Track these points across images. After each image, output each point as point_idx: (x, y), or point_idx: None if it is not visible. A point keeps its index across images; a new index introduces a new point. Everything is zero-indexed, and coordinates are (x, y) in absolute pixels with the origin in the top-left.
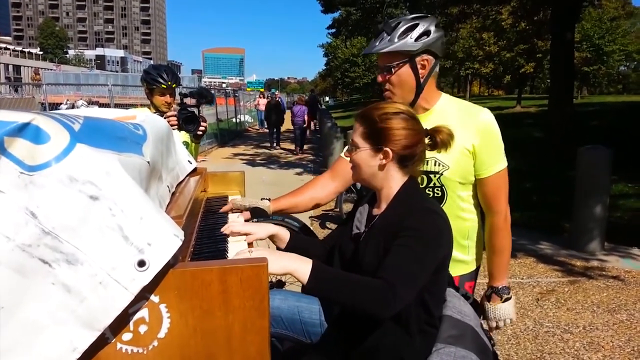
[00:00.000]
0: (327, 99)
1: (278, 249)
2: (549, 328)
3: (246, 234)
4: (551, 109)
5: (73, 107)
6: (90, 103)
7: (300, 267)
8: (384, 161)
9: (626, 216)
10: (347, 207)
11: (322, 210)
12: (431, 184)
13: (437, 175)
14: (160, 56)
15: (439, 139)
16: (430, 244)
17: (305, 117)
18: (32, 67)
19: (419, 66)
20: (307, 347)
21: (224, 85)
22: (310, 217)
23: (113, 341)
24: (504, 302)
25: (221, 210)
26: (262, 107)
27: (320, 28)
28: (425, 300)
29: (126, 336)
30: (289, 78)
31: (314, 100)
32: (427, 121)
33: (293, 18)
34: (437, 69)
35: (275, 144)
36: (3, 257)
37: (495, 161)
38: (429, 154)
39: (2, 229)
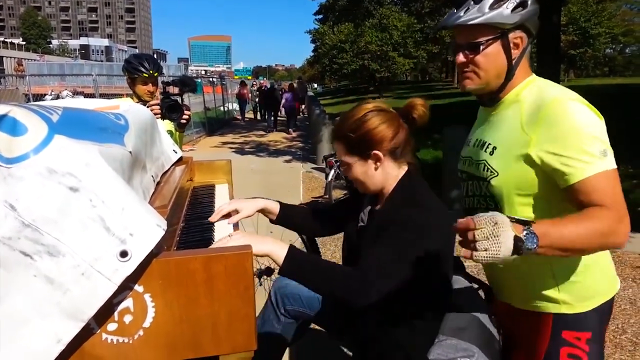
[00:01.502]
0: (315, 86)
1: (271, 221)
2: None
3: (235, 211)
4: None
5: (58, 97)
6: (76, 93)
7: (277, 249)
8: (378, 164)
9: None
10: (337, 193)
11: (312, 198)
12: (479, 192)
13: (485, 183)
14: (146, 45)
15: (415, 115)
16: (410, 237)
17: (295, 103)
18: (15, 57)
19: (511, 45)
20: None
21: (209, 73)
22: (300, 204)
23: (98, 332)
24: (514, 239)
25: (211, 220)
26: (244, 97)
27: (307, 14)
28: (425, 292)
29: (111, 326)
30: (276, 65)
31: (302, 87)
32: (489, 120)
33: (280, 4)
34: (529, 48)
35: (272, 128)
36: None
37: (579, 161)
38: (479, 155)
39: None
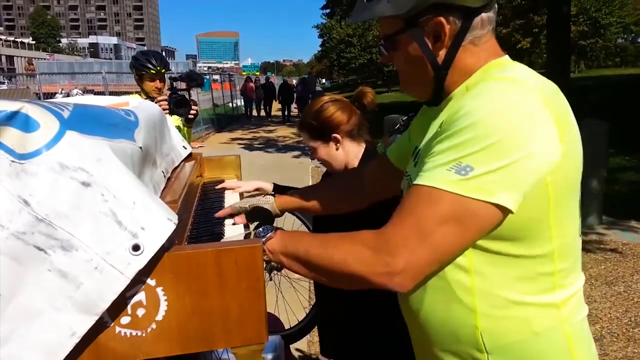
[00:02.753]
0: (323, 81)
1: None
2: None
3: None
4: None
5: (68, 96)
6: (85, 91)
7: None
8: (338, 145)
9: (624, 189)
10: None
11: None
12: None
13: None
14: (154, 42)
15: (365, 102)
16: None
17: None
18: (25, 57)
19: (429, 36)
20: None
21: (218, 69)
22: None
23: (112, 325)
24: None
25: (218, 215)
26: (251, 95)
27: (314, 9)
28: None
29: (124, 320)
30: (284, 61)
31: (312, 81)
32: (423, 124)
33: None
34: (483, 28)
35: (288, 116)
36: None
37: (431, 165)
38: (409, 167)
39: None
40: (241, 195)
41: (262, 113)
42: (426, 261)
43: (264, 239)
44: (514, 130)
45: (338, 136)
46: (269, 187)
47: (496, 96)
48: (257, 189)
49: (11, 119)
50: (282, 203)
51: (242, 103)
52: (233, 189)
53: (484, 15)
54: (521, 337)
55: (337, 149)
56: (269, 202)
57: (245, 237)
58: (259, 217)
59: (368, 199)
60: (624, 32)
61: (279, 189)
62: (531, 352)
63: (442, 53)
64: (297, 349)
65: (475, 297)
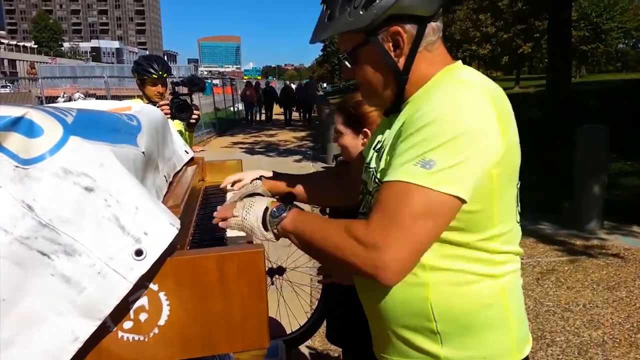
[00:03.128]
0: (324, 85)
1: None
2: (550, 307)
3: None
4: (549, 88)
5: (70, 100)
6: (87, 95)
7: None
8: (365, 140)
9: (625, 194)
10: None
11: None
12: (367, 209)
13: (370, 198)
14: (156, 46)
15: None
16: None
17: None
18: (27, 61)
19: (388, 45)
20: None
21: (219, 73)
22: None
23: (114, 330)
24: (264, 211)
25: (215, 222)
26: (251, 99)
27: (315, 14)
28: None
29: (127, 324)
30: (285, 65)
31: (313, 85)
32: (387, 123)
33: (288, 4)
34: (434, 35)
35: (289, 120)
36: (2, 250)
37: (399, 161)
38: (372, 161)
39: None
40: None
41: (263, 117)
42: (408, 256)
43: (277, 219)
44: (466, 129)
45: (368, 132)
46: (269, 173)
47: (450, 97)
48: (259, 178)
49: (15, 124)
50: (270, 187)
51: (243, 107)
52: (235, 183)
53: (433, 24)
54: (466, 308)
55: (362, 143)
56: (258, 187)
57: (264, 213)
58: None
59: (354, 198)
60: (625, 37)
61: (279, 177)
62: (474, 321)
63: (402, 60)
64: (307, 346)
65: (427, 272)
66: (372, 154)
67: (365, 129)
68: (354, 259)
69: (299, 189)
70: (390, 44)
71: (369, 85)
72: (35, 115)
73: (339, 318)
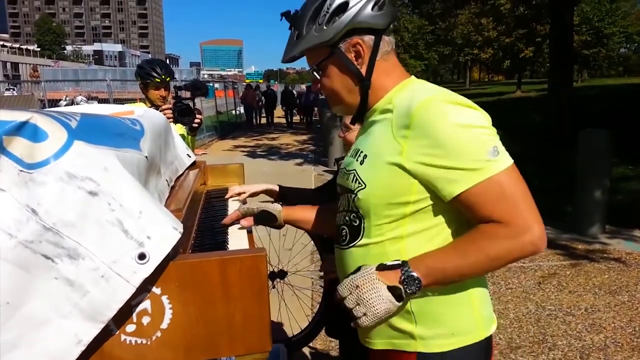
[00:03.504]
0: None
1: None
2: (551, 311)
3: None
4: (551, 93)
5: (72, 103)
6: (90, 98)
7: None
8: None
9: (627, 199)
10: None
11: None
12: (347, 207)
13: (352, 196)
14: (158, 49)
15: None
16: None
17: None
18: (30, 64)
19: (350, 55)
20: None
21: (221, 77)
22: None
23: (117, 333)
24: (389, 290)
25: (225, 222)
26: (252, 102)
27: None
28: None
29: (130, 328)
30: (287, 69)
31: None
32: (365, 127)
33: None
34: (387, 46)
35: (290, 122)
36: (6, 254)
37: (462, 169)
38: (351, 164)
39: (4, 226)
40: (244, 203)
41: (264, 121)
42: (538, 215)
43: (414, 288)
44: (483, 124)
45: None
46: (275, 188)
47: (441, 110)
48: (263, 191)
49: (20, 129)
50: (287, 214)
51: (243, 111)
52: (240, 194)
53: (385, 37)
54: (435, 290)
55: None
56: (277, 210)
57: (392, 292)
58: (265, 221)
59: None
60: (627, 41)
61: (283, 190)
62: (442, 302)
63: (364, 68)
64: (308, 347)
65: (402, 258)
66: (349, 159)
67: None
68: (512, 253)
69: (318, 220)
70: (352, 55)
71: (336, 94)
72: (39, 119)
73: (338, 311)
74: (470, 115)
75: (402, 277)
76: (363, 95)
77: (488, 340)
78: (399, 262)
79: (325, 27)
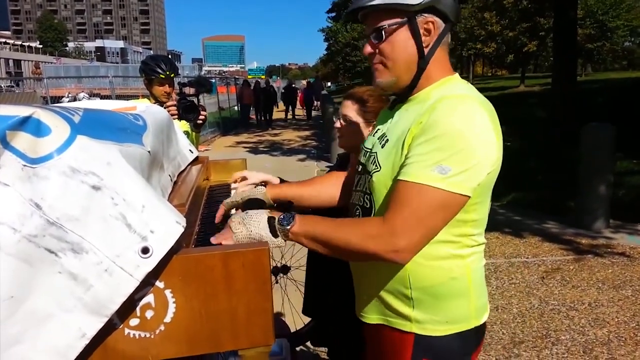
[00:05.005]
0: (328, 84)
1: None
2: (555, 306)
3: (245, 178)
4: (554, 87)
5: (75, 100)
6: (92, 95)
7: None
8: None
9: (631, 193)
10: None
11: None
12: (362, 188)
13: (369, 177)
14: (160, 46)
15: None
16: None
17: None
18: (32, 61)
19: (421, 30)
20: None
21: (224, 73)
22: None
23: (121, 327)
24: (267, 220)
25: (216, 221)
26: (248, 100)
27: (320, 12)
28: None
29: (133, 321)
30: (290, 64)
31: (318, 84)
32: (396, 113)
33: (292, 3)
34: (448, 39)
35: (292, 116)
36: (10, 248)
37: (416, 162)
38: (375, 146)
39: (8, 220)
40: None
41: (262, 118)
42: (421, 240)
43: (287, 226)
44: (474, 141)
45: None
46: (275, 180)
47: (458, 112)
48: (263, 181)
49: (23, 123)
50: (274, 194)
51: (239, 109)
52: (241, 179)
53: (449, 31)
54: (437, 280)
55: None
56: (261, 192)
57: (269, 222)
58: (254, 207)
59: (345, 199)
60: (631, 35)
61: (282, 185)
62: (441, 291)
63: (427, 48)
64: (310, 343)
65: None
66: (373, 140)
67: (374, 121)
68: (374, 247)
69: (306, 194)
70: (423, 30)
71: (393, 62)
72: (42, 114)
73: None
74: (474, 130)
75: (282, 215)
76: (417, 75)
77: (479, 328)
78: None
79: None
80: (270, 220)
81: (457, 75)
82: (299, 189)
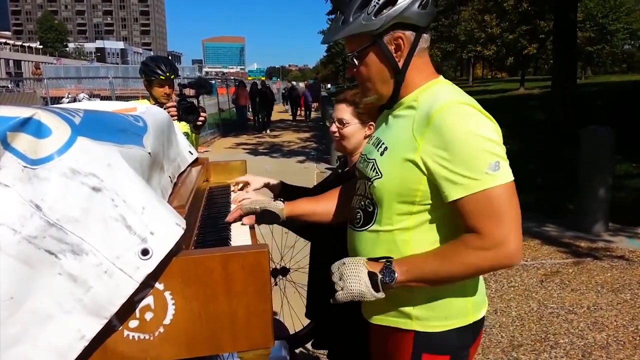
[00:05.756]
0: (328, 86)
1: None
2: (554, 309)
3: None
4: (554, 90)
5: (75, 100)
6: (92, 96)
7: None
8: (368, 132)
9: (631, 196)
10: None
11: None
12: (363, 192)
13: (369, 183)
14: (160, 47)
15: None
16: None
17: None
18: (32, 61)
19: (391, 47)
20: None
21: (223, 73)
22: None
23: (120, 328)
24: (368, 275)
25: (228, 219)
26: (243, 102)
27: (320, 14)
28: None
29: (132, 323)
30: (290, 66)
31: (317, 85)
32: (388, 119)
33: (293, 5)
34: (425, 44)
35: (295, 115)
36: (10, 249)
37: (463, 177)
38: (372, 153)
39: (8, 221)
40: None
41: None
42: (520, 232)
43: (393, 282)
44: (488, 136)
45: (374, 125)
46: (277, 184)
47: (464, 116)
48: (265, 185)
49: (24, 125)
50: (290, 210)
51: (236, 112)
52: (244, 183)
53: (425, 35)
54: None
55: (365, 135)
56: (278, 208)
57: (370, 278)
58: (268, 220)
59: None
60: (631, 38)
61: (286, 188)
62: (442, 288)
63: (401, 62)
64: (310, 346)
65: (409, 248)
66: (369, 147)
67: (372, 122)
68: (487, 263)
69: (322, 210)
70: (393, 47)
71: (371, 82)
72: (43, 116)
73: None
74: (484, 126)
75: (382, 268)
76: (396, 87)
77: (477, 323)
78: (385, 257)
79: (373, 18)
80: (373, 276)
81: (441, 77)
82: (312, 204)
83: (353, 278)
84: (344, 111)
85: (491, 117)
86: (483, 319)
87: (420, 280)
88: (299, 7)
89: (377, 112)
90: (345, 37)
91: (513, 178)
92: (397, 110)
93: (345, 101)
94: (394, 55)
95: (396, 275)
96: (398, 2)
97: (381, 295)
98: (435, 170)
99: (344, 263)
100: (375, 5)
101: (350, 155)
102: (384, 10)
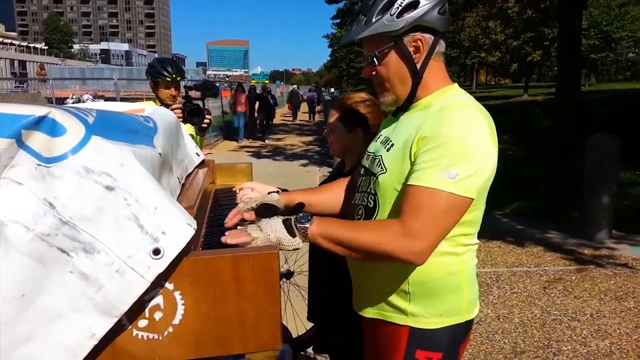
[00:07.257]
0: (332, 90)
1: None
2: (557, 316)
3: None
4: (558, 97)
5: (79, 101)
6: (96, 97)
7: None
8: (357, 138)
9: (635, 204)
10: None
11: None
12: (366, 189)
13: (374, 179)
14: (165, 49)
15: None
16: None
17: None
18: (37, 62)
19: (410, 49)
20: None
21: (227, 76)
22: None
23: (129, 328)
24: (283, 222)
25: (227, 224)
26: (241, 107)
27: (324, 19)
28: None
29: (142, 323)
30: (293, 69)
31: (318, 90)
32: (400, 119)
33: (297, 9)
34: (441, 48)
35: (295, 116)
36: (23, 247)
37: (426, 168)
38: (379, 151)
39: (21, 219)
40: None
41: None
42: (436, 241)
43: (306, 224)
44: (476, 147)
45: (360, 131)
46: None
47: (461, 120)
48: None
49: (38, 123)
50: (289, 200)
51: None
52: (251, 189)
53: (441, 40)
54: (435, 275)
55: (352, 143)
56: (274, 199)
57: (284, 223)
58: (267, 213)
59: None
60: (635, 46)
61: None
62: (437, 285)
63: (419, 64)
64: (312, 349)
65: None
66: (377, 145)
67: (357, 129)
68: (392, 248)
69: (317, 201)
70: (412, 49)
71: (389, 82)
72: (58, 114)
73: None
74: (479, 142)
75: (299, 215)
76: (413, 88)
77: (469, 322)
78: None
79: (396, 19)
80: (287, 221)
81: (456, 85)
82: (307, 195)
83: (270, 227)
84: (333, 116)
85: (492, 132)
86: (473, 319)
87: (335, 240)
88: (302, 11)
89: (368, 119)
90: (366, 38)
91: (469, 197)
92: (411, 111)
93: (334, 107)
94: (413, 56)
95: (312, 220)
96: (420, 6)
97: (297, 241)
98: (416, 153)
99: (262, 220)
100: (398, 8)
101: (346, 159)
102: (406, 13)
